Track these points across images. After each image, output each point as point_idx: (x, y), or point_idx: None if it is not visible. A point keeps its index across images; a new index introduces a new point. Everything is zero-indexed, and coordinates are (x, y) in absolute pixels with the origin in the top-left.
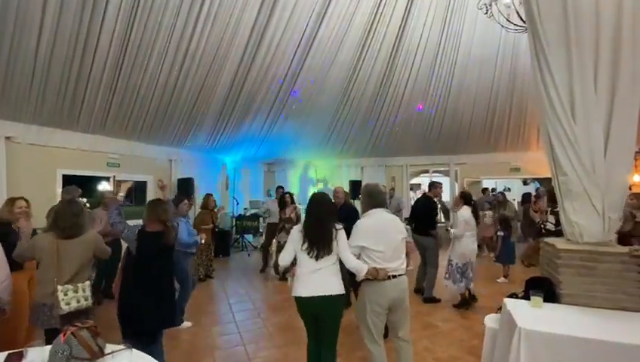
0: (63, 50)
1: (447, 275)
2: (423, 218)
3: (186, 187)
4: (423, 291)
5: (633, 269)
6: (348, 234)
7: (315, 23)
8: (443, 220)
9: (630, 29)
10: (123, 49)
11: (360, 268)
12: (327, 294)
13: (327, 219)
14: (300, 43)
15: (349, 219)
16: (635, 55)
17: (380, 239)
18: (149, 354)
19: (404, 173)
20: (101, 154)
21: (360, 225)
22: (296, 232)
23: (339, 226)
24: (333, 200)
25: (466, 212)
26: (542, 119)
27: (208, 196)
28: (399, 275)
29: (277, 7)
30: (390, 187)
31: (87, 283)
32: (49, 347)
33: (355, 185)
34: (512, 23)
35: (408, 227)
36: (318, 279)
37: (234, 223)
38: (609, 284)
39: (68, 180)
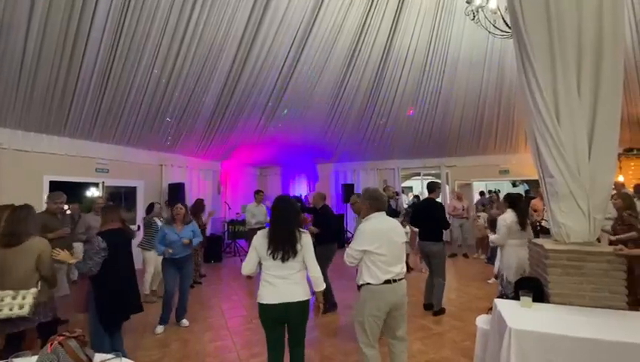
0: (50, 53)
1: (502, 290)
2: (432, 222)
3: (176, 192)
4: (426, 305)
5: (618, 268)
6: (324, 238)
7: (306, 28)
8: None
9: (611, 35)
10: (112, 52)
11: (321, 282)
12: (293, 301)
13: (291, 220)
14: (291, 46)
15: (323, 223)
16: (616, 60)
17: (383, 243)
18: (118, 340)
19: (395, 176)
20: (89, 160)
21: (363, 228)
22: (260, 238)
23: (304, 230)
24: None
25: (508, 216)
26: (528, 122)
27: (196, 201)
28: (399, 280)
29: (267, 12)
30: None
31: (33, 290)
32: (35, 357)
33: (348, 188)
34: (499, 29)
35: (409, 231)
36: (284, 286)
37: (226, 228)
38: (595, 283)
39: (55, 186)
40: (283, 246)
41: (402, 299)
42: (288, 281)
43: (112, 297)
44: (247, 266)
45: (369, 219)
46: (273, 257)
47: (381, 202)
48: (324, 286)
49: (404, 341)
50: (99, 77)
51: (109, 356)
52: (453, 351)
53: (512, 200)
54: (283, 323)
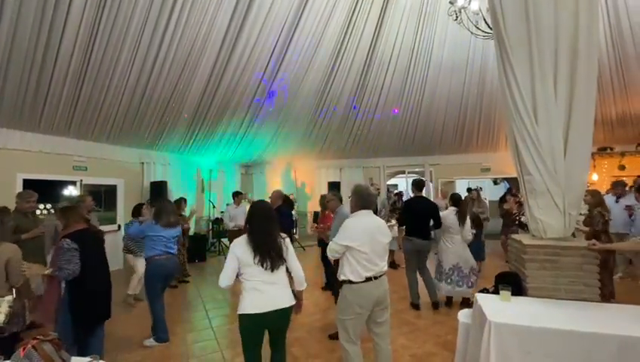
0: (23, 44)
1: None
2: (428, 220)
3: (159, 191)
4: (419, 305)
5: (591, 262)
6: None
7: (291, 26)
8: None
9: (585, 41)
10: (89, 45)
11: (303, 281)
12: (282, 307)
13: (273, 227)
14: (275, 45)
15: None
16: (590, 65)
17: (366, 241)
18: (99, 341)
19: (381, 174)
20: (66, 157)
21: (348, 224)
22: (241, 246)
23: (283, 235)
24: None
25: (447, 212)
26: (507, 121)
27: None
28: (380, 276)
29: (252, 9)
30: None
31: (9, 298)
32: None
33: (334, 186)
34: (480, 30)
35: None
36: (274, 292)
37: (210, 227)
38: (570, 277)
39: (29, 185)
40: (270, 255)
41: (385, 294)
42: (277, 286)
43: (86, 300)
44: (226, 277)
45: (355, 215)
46: (263, 266)
47: (368, 201)
48: (305, 285)
49: (387, 335)
50: (75, 70)
51: (86, 359)
52: (436, 346)
53: (455, 200)
54: (270, 329)
